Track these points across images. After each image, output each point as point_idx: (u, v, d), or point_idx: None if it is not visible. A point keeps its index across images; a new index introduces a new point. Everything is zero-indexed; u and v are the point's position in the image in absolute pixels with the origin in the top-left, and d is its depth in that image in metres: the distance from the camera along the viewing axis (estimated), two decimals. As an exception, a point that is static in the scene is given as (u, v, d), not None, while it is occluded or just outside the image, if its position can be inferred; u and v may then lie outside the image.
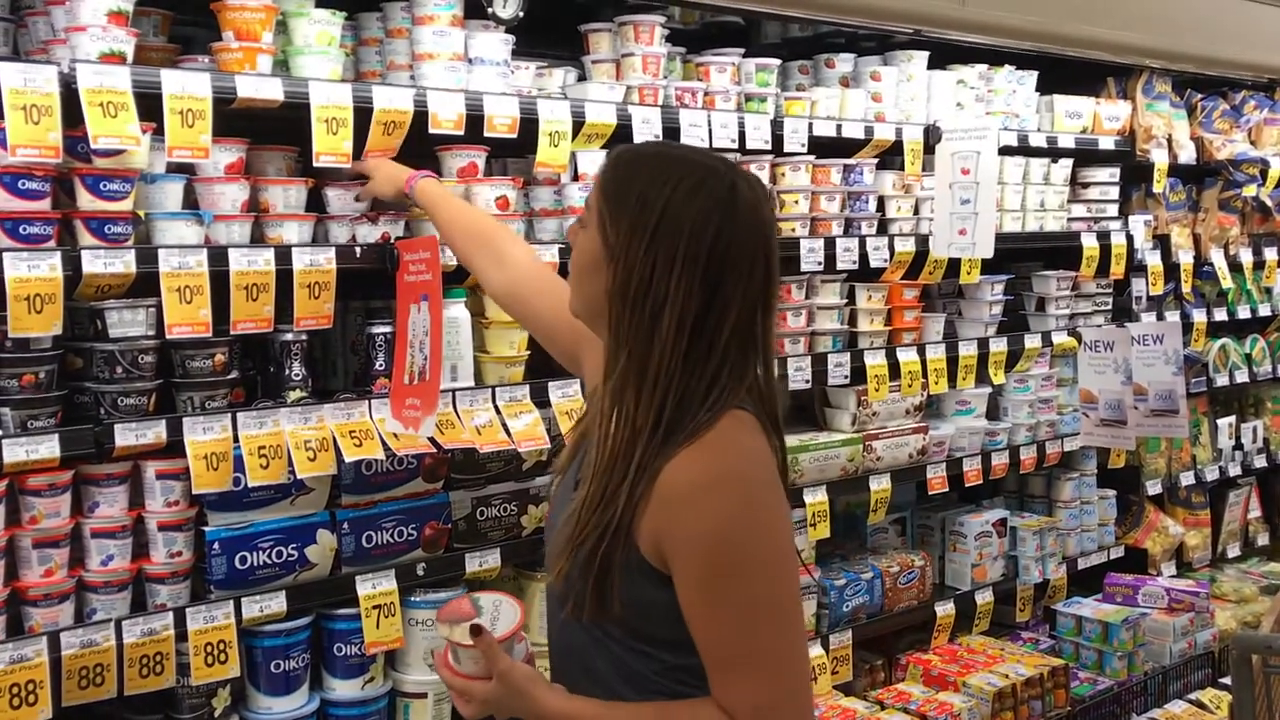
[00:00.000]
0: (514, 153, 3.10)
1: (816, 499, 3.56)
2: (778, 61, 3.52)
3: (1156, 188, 4.56)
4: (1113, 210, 4.49)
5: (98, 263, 2.35)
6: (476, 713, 1.80)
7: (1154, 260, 4.56)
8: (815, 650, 3.60)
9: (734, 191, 1.70)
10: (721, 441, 1.66)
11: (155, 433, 2.45)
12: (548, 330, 2.28)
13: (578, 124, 2.99)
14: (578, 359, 2.15)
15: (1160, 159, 4.54)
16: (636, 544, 1.67)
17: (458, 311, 2.85)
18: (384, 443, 2.66)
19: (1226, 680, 4.20)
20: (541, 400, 2.95)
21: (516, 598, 1.92)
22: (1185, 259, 4.67)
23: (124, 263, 2.38)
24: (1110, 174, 4.46)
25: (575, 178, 3.08)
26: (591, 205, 1.77)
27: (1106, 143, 4.42)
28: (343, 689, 2.78)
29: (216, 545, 2.56)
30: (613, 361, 1.71)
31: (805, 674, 1.71)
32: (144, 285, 2.45)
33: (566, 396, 2.98)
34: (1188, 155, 4.70)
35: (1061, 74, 4.31)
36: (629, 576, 1.67)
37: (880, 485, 3.73)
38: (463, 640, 1.77)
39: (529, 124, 2.89)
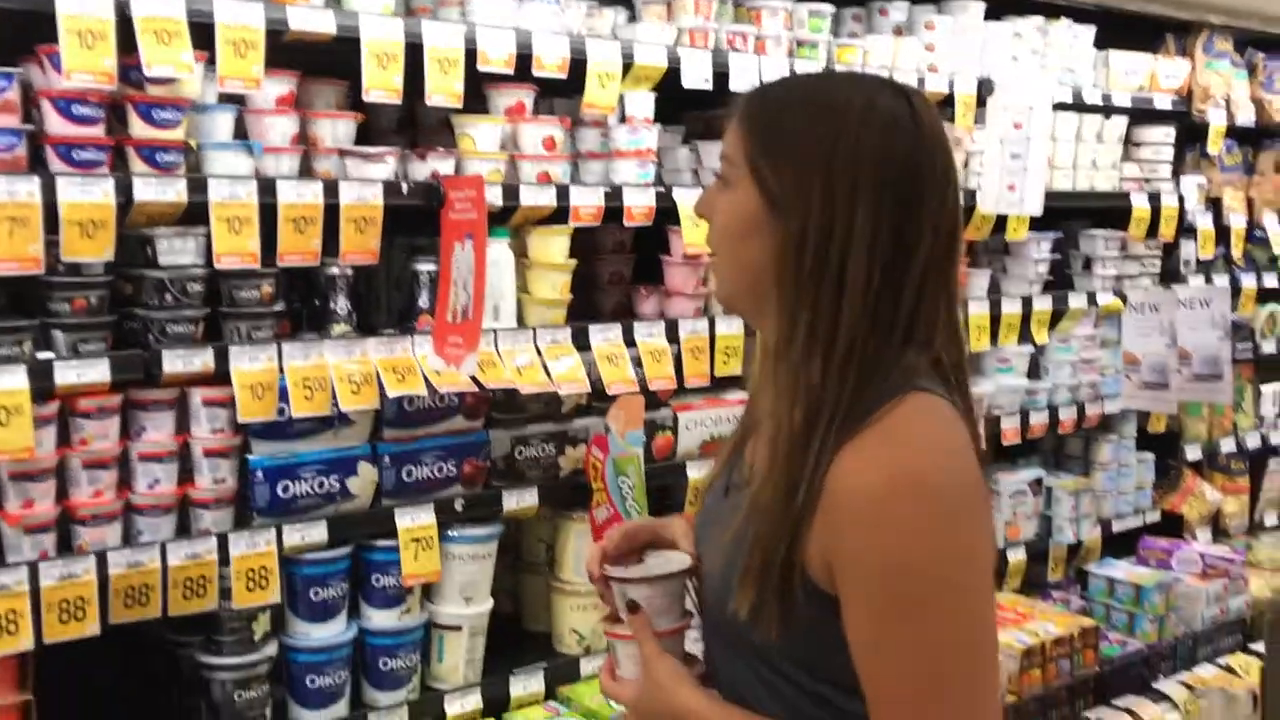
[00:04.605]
0: (561, 93, 3.08)
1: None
2: (831, 8, 3.47)
3: (1211, 149, 4.47)
4: (1165, 171, 4.40)
5: (149, 190, 2.37)
6: None
7: (1205, 223, 4.47)
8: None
9: (912, 106, 1.44)
10: (905, 434, 1.35)
11: (203, 360, 2.48)
12: None
13: (627, 65, 2.97)
14: None
15: (1217, 120, 4.44)
16: (804, 557, 1.38)
17: (500, 252, 2.85)
18: (426, 379, 2.68)
19: (1257, 646, 4.19)
20: (583, 344, 2.96)
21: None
22: (1237, 223, 4.58)
23: (175, 191, 2.40)
24: (1165, 134, 4.37)
25: (623, 119, 3.06)
26: (735, 158, 1.48)
27: (1163, 101, 4.32)
28: (379, 619, 2.82)
29: (260, 473, 2.60)
30: (788, 333, 1.41)
31: None
32: (193, 214, 2.46)
33: (608, 341, 2.99)
34: (1246, 116, 4.59)
35: (1120, 29, 4.22)
36: (805, 597, 1.39)
37: (917, 440, 3.72)
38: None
39: (578, 64, 2.87)
